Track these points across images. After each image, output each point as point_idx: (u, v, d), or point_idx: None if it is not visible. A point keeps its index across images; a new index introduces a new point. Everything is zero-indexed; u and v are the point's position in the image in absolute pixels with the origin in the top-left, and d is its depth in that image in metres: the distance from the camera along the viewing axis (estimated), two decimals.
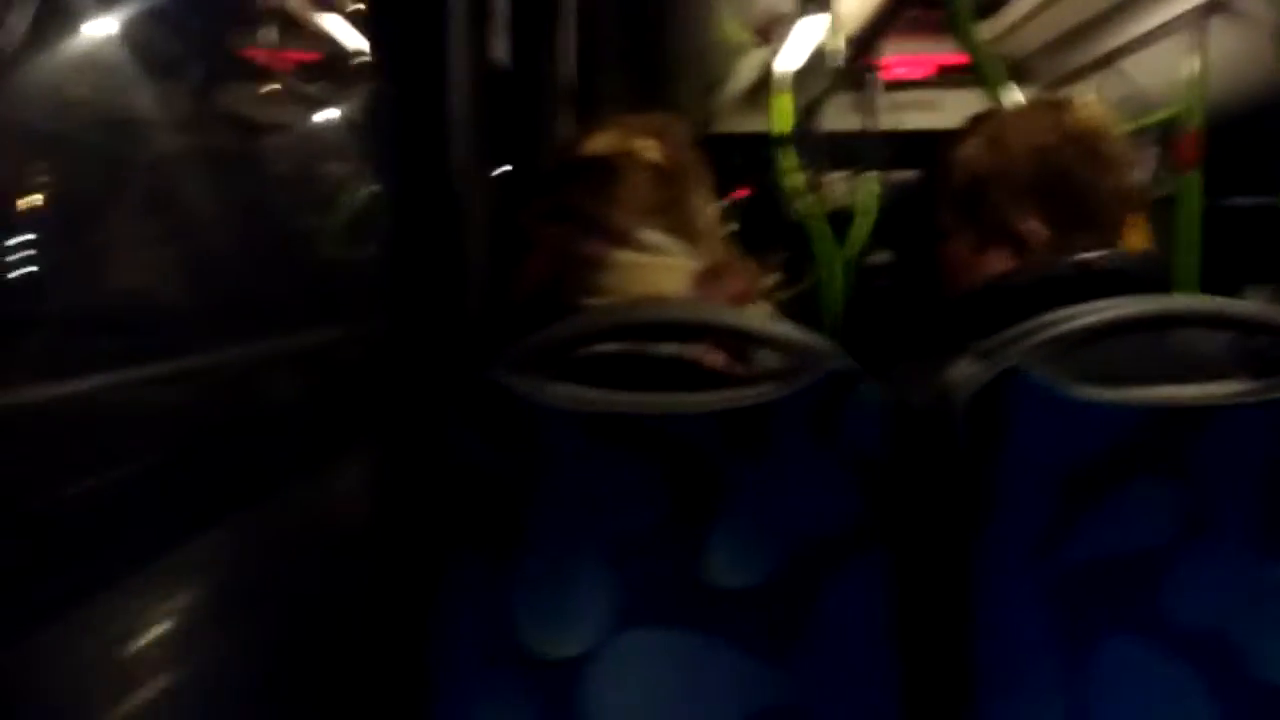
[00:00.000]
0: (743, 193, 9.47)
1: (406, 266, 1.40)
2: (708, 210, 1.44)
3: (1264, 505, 1.14)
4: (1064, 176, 1.37)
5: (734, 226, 8.84)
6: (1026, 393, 1.11)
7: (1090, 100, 1.53)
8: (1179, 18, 4.23)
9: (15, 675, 1.00)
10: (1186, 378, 1.17)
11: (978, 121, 1.50)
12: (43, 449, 1.28)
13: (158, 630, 1.20)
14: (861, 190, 6.03)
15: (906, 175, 7.01)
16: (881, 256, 6.52)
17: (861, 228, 6.22)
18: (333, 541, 1.54)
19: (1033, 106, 1.44)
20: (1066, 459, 1.12)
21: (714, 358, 1.26)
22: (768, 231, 7.80)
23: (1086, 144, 1.38)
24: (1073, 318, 1.15)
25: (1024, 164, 1.39)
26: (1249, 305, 1.21)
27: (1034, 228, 1.38)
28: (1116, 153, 1.39)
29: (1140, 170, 4.54)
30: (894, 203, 6.53)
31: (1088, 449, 1.12)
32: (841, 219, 6.50)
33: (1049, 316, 1.16)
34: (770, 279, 7.34)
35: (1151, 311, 1.16)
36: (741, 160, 6.88)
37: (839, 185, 6.99)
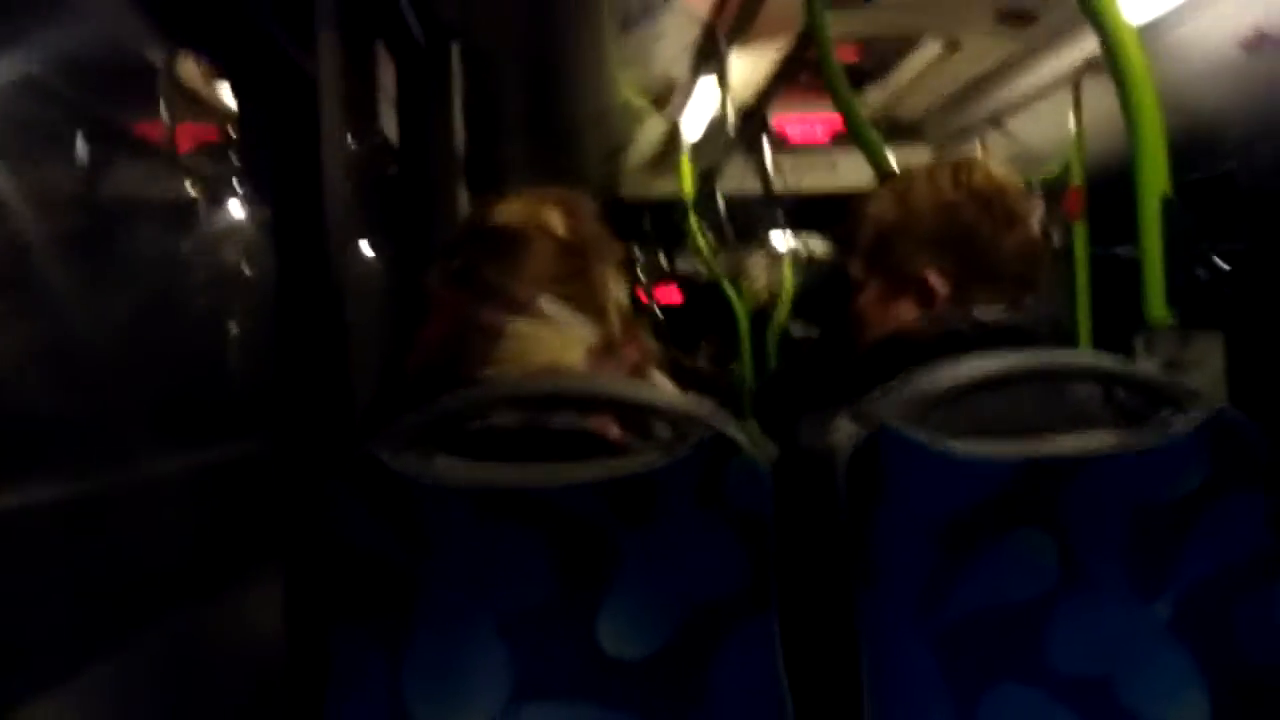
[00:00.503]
0: (673, 292, 9.63)
1: (289, 348, 1.39)
2: (611, 283, 1.44)
3: (1135, 551, 1.18)
4: (966, 232, 1.41)
5: (660, 316, 8.99)
6: (901, 450, 1.13)
7: (993, 159, 1.59)
8: (1057, 78, 4.43)
9: None
10: (1059, 429, 1.21)
11: (888, 179, 1.55)
12: None
13: None
14: (778, 276, 6.20)
15: (817, 251, 7.21)
16: (799, 329, 6.69)
17: (782, 311, 6.38)
18: (229, 634, 1.48)
19: (939, 165, 1.49)
20: (943, 514, 1.14)
21: (610, 429, 1.26)
22: (698, 322, 7.97)
23: (988, 200, 1.42)
24: (942, 373, 1.18)
25: (928, 219, 1.43)
26: (1112, 359, 1.26)
27: (936, 281, 1.41)
28: (1018, 209, 1.43)
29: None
30: (810, 278, 6.71)
31: (963, 503, 1.15)
32: (764, 309, 6.70)
33: (921, 372, 1.19)
34: (700, 358, 7.51)
35: (1017, 367, 1.19)
36: (650, 224, 7.00)
37: (759, 275, 7.18)
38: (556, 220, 1.41)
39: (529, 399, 1.24)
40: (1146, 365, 1.75)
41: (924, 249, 1.43)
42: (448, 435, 1.17)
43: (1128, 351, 1.88)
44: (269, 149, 1.40)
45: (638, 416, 1.27)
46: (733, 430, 1.15)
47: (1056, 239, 4.68)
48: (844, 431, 1.17)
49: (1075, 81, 4.27)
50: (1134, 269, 1.95)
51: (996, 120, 5.15)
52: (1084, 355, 1.25)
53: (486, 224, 1.44)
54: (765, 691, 1.14)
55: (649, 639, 1.15)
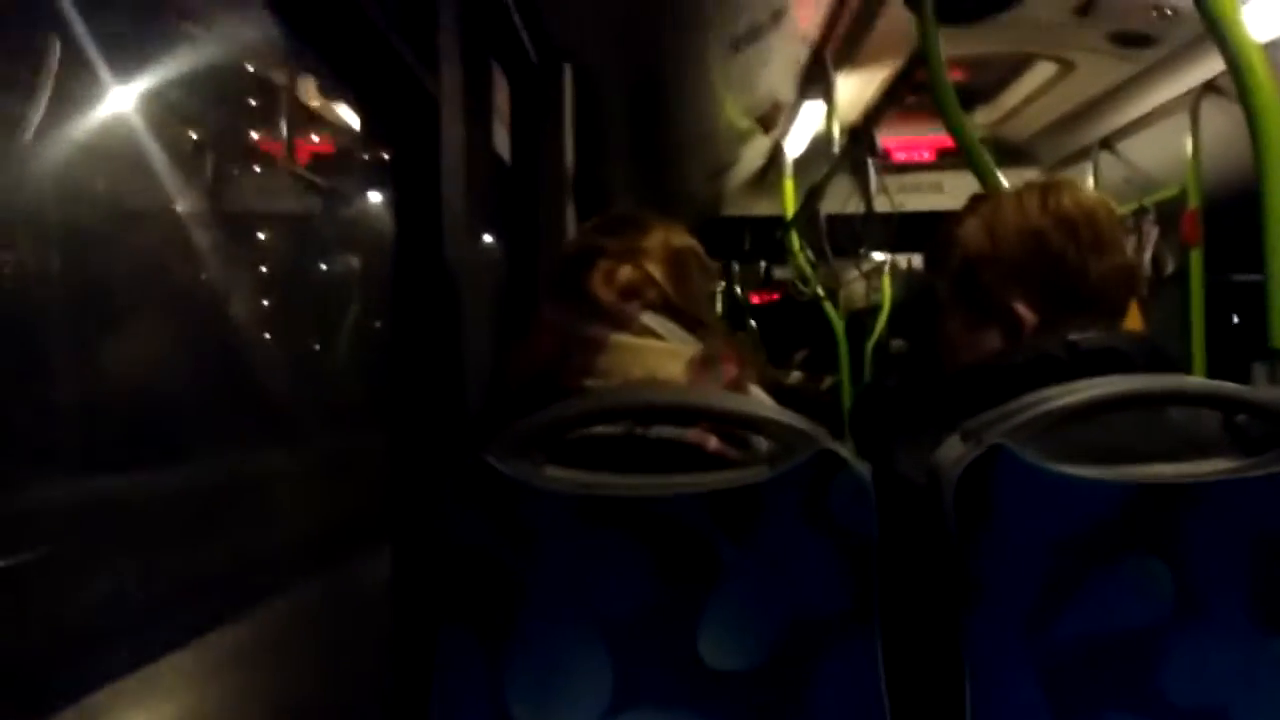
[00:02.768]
0: (770, 297, 9.68)
1: (405, 354, 1.43)
2: (707, 298, 1.47)
3: (1254, 581, 1.15)
4: (1053, 259, 1.39)
5: (756, 327, 9.00)
6: (1012, 471, 1.12)
7: (1083, 183, 1.56)
8: (1174, 100, 4.31)
9: None
10: (1177, 455, 1.18)
11: (976, 202, 1.53)
12: (73, 545, 1.30)
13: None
14: (878, 288, 6.15)
15: (917, 263, 7.13)
16: (898, 344, 6.62)
17: (879, 323, 6.33)
18: (346, 624, 1.55)
19: (1027, 189, 1.47)
20: (1054, 536, 1.13)
21: (708, 440, 1.28)
22: (793, 331, 7.95)
23: (1075, 226, 1.40)
24: (1057, 396, 1.16)
25: (1014, 246, 1.41)
26: (1230, 385, 1.22)
27: (1024, 311, 1.39)
28: (1108, 235, 1.41)
29: (1143, 250, 4.60)
30: (909, 293, 6.64)
31: (1075, 526, 1.13)
32: (860, 317, 6.64)
33: (1035, 395, 1.17)
34: (793, 374, 7.50)
35: (1134, 391, 1.17)
36: (750, 243, 7.02)
37: (857, 286, 7.15)
38: (654, 237, 1.44)
39: (638, 410, 1.26)
40: (1270, 391, 1.69)
41: (1011, 278, 1.40)
42: (550, 443, 1.19)
43: (1244, 379, 1.82)
44: (391, 163, 1.46)
45: (735, 429, 1.29)
46: (838, 446, 1.15)
47: (1171, 264, 4.55)
48: (952, 452, 1.17)
49: (1194, 103, 4.15)
50: (1252, 294, 1.89)
51: (1109, 143, 5.03)
52: (1203, 382, 1.22)
53: (585, 243, 1.48)
54: (867, 708, 1.13)
55: (750, 651, 1.16)
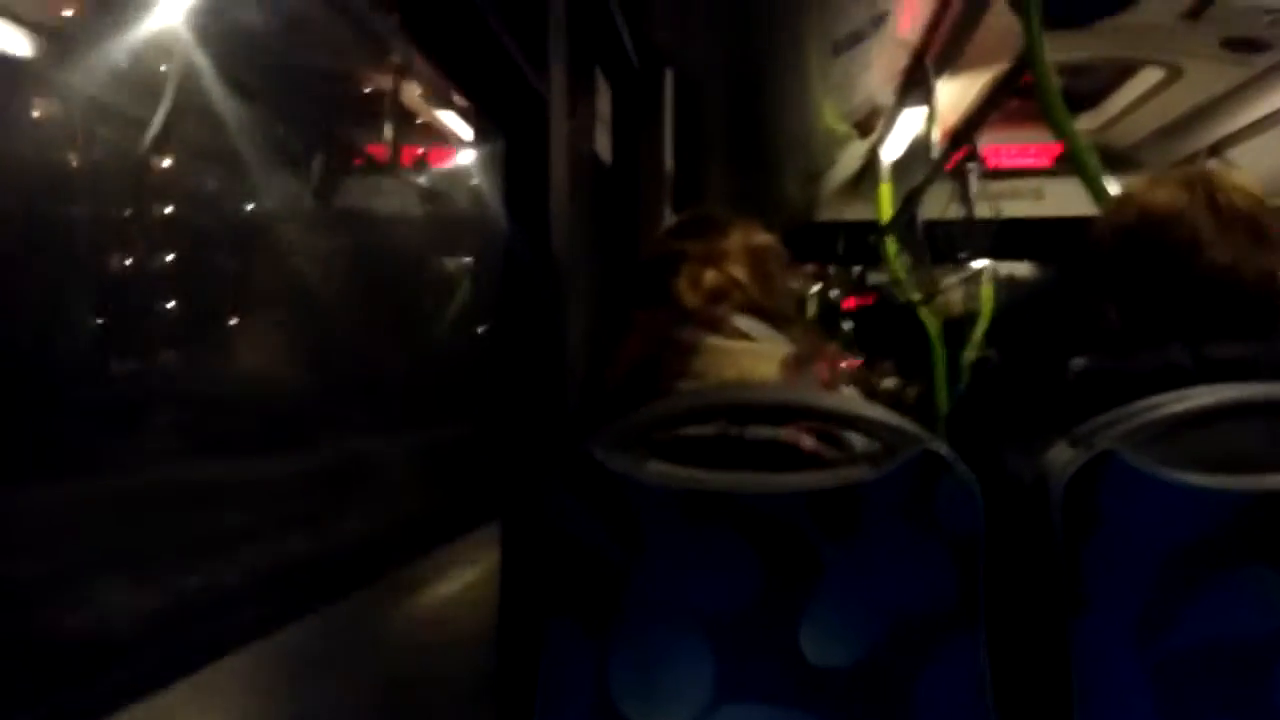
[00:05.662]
0: (866, 300, 9.62)
1: (511, 350, 1.47)
2: (790, 294, 1.48)
3: None
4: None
5: (851, 329, 8.95)
6: (1123, 477, 1.11)
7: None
8: None
9: None
10: None
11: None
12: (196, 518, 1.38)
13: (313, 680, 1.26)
14: (977, 295, 6.04)
15: (1017, 272, 6.98)
16: (992, 353, 6.51)
17: (978, 330, 6.22)
18: (455, 611, 1.60)
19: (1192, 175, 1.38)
20: (1166, 543, 1.11)
21: (804, 440, 1.28)
22: (886, 334, 7.88)
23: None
24: (1171, 402, 1.14)
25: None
26: None
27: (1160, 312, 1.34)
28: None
29: None
30: (1007, 301, 6.51)
31: (1188, 534, 1.11)
32: (958, 324, 6.54)
33: (1148, 401, 1.16)
34: (886, 378, 7.42)
35: (1250, 398, 1.15)
36: (845, 247, 6.98)
37: (954, 291, 7.05)
38: (736, 240, 1.46)
39: (742, 407, 1.27)
40: None
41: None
42: (653, 442, 1.21)
43: None
44: (502, 163, 1.50)
45: (831, 429, 1.29)
46: (943, 448, 1.15)
47: None
48: (1062, 456, 1.15)
49: None
50: None
51: (1217, 149, 4.88)
52: None
53: (676, 245, 1.49)
54: (972, 706, 1.13)
55: (851, 649, 1.16)
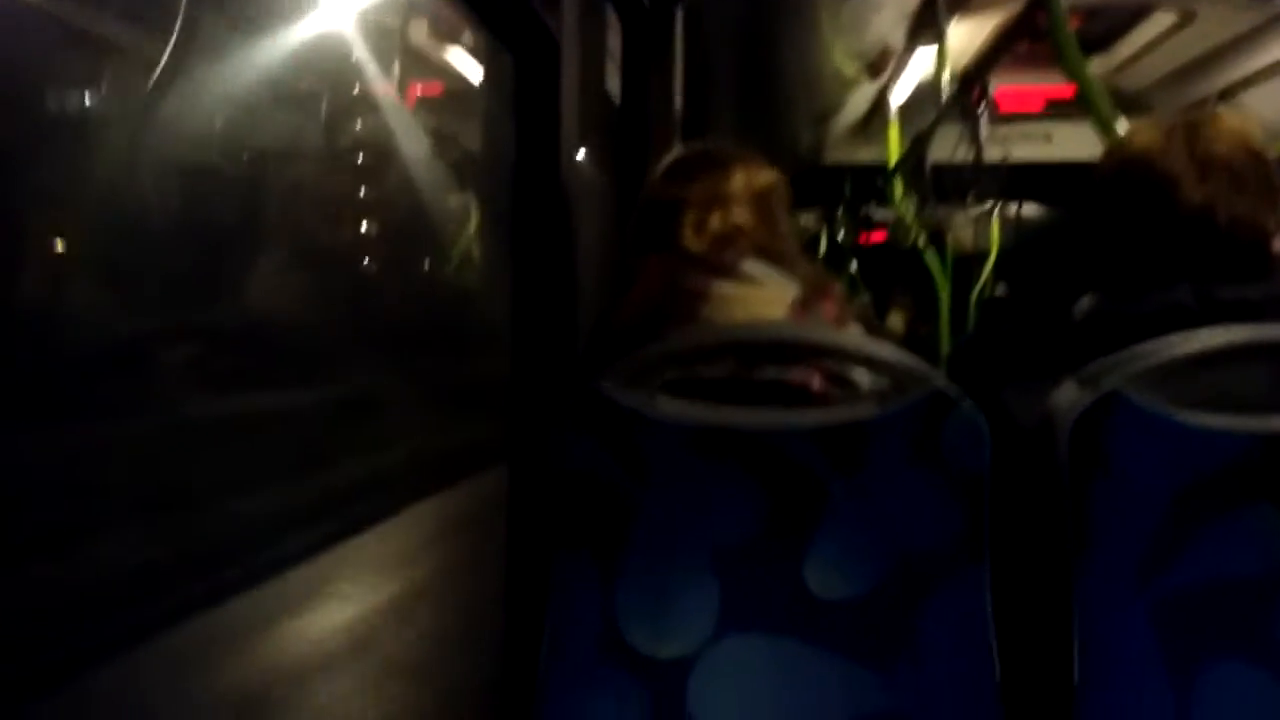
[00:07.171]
0: (877, 237, 9.55)
1: (522, 289, 1.48)
2: (793, 231, 1.47)
3: None
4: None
5: (857, 270, 8.91)
6: (1130, 417, 1.12)
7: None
8: None
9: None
10: None
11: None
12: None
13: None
14: (987, 233, 6.01)
15: (1026, 211, 6.93)
16: (1001, 289, 6.49)
17: (985, 267, 6.20)
18: (466, 544, 1.62)
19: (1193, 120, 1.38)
20: (1170, 483, 1.12)
21: (813, 380, 1.29)
22: (894, 271, 7.85)
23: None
24: (1177, 344, 1.15)
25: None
26: None
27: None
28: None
29: None
30: (1015, 239, 6.48)
31: (1192, 474, 1.12)
32: (968, 262, 6.51)
33: (1154, 342, 1.16)
34: (892, 317, 7.40)
35: (1256, 339, 1.15)
36: (852, 189, 6.93)
37: (965, 232, 7.01)
38: (739, 182, 1.44)
39: (751, 344, 1.27)
40: None
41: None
42: (663, 380, 1.22)
43: None
44: (512, 101, 1.49)
45: (839, 370, 1.29)
46: (950, 387, 1.16)
47: None
48: (1068, 397, 1.16)
49: None
50: None
51: (1227, 94, 4.84)
52: None
53: (672, 191, 1.47)
54: (973, 641, 1.15)
55: (855, 582, 1.18)
